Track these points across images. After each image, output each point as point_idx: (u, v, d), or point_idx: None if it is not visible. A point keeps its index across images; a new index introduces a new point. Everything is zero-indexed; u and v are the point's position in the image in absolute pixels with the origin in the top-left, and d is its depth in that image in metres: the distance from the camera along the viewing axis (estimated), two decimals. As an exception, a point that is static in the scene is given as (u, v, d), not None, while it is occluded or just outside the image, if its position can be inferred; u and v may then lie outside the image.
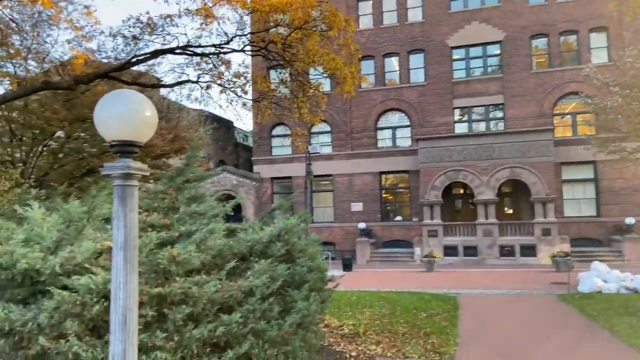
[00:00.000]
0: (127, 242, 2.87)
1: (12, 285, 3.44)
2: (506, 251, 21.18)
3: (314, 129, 25.91)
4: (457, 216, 24.40)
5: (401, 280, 15.92)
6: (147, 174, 3.03)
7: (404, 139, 25.71)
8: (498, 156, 21.94)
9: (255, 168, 28.19)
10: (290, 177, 27.20)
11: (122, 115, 2.85)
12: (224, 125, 32.71)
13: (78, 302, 3.15)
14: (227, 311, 4.08)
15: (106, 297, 3.30)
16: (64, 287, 3.30)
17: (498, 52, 24.49)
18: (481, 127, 24.67)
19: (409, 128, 25.51)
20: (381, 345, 7.25)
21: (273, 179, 27.75)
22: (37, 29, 14.83)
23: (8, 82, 15.98)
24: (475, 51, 24.85)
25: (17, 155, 19.36)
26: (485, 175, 21.96)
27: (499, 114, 24.40)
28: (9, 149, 18.62)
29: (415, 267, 20.49)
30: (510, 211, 24.05)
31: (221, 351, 3.97)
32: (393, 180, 26.46)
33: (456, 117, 25.00)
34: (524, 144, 21.72)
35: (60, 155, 19.92)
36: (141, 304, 3.25)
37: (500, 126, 24.21)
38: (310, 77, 13.29)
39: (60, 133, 19.22)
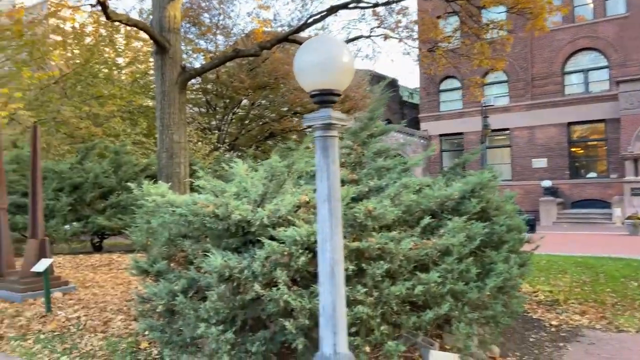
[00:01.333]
0: (330, 194, 2.81)
1: (226, 235, 3.73)
2: None
3: (486, 80, 23.84)
4: (672, 171, 20.27)
5: (598, 245, 13.93)
6: (347, 124, 2.91)
7: (599, 82, 22.01)
8: None
9: (423, 125, 27.31)
10: (460, 134, 25.73)
11: (320, 63, 2.73)
12: (389, 84, 32.26)
13: (286, 253, 3.25)
14: (423, 270, 3.88)
15: (309, 249, 3.36)
16: (271, 238, 3.44)
17: None
18: None
19: (607, 69, 21.69)
20: (587, 315, 6.36)
21: (441, 136, 26.59)
22: (223, 5, 16.34)
23: (202, 57, 18.07)
24: (702, -37, 19.69)
25: (213, 123, 22.03)
26: None
27: None
28: (206, 118, 21.29)
29: (614, 230, 17.77)
30: None
31: (419, 310, 3.81)
32: (584, 132, 23.07)
33: (672, 51, 20.41)
34: None
35: (246, 122, 22.07)
36: (343, 258, 3.20)
37: None
38: (486, 21, 11.98)
39: (245, 102, 21.25)
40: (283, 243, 3.36)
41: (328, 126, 2.81)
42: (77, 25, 15.77)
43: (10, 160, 12.39)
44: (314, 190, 4.16)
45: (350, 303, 3.35)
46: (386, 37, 9.39)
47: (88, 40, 16.60)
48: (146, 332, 3.96)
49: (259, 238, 3.45)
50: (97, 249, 13.35)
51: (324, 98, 2.81)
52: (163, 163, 8.78)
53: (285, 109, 20.12)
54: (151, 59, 20.76)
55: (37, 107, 14.71)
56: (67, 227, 11.88)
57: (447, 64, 10.52)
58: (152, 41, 8.47)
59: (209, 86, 19.84)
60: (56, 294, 6.18)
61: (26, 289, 6.14)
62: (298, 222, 3.44)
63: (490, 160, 24.49)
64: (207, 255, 3.59)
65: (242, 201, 3.65)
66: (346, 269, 3.38)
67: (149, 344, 4.21)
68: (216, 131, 20.25)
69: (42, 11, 16.32)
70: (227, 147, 18.81)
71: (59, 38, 15.51)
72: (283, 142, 23.05)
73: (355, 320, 3.34)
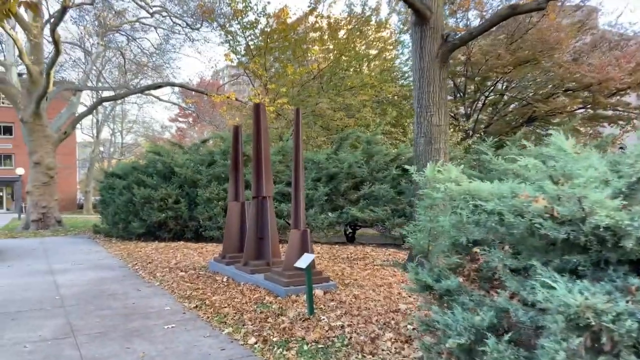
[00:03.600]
0: None
1: (563, 248, 2.30)
2: None
3: None
4: None
5: None
6: None
7: None
8: None
9: None
10: None
11: None
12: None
13: None
14: None
15: None
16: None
17: None
18: None
19: None
20: None
21: None
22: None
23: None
24: None
25: (461, 110, 20.43)
26: None
27: None
28: (453, 105, 19.84)
29: None
30: None
31: None
32: None
33: None
34: None
35: (499, 106, 19.72)
36: None
37: None
38: None
39: (498, 86, 18.96)
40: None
41: None
42: (331, 20, 16.38)
43: (276, 152, 13.40)
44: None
45: None
46: None
47: (341, 34, 17.09)
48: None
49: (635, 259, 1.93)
50: (350, 239, 13.42)
51: None
52: (420, 150, 7.79)
53: (551, 86, 17.01)
54: (398, 48, 20.42)
55: (299, 102, 15.77)
56: (323, 216, 12.16)
57: None
58: (404, 21, 7.52)
59: (457, 69, 18.29)
60: (317, 292, 5.74)
61: (289, 282, 5.90)
62: None
63: None
64: (518, 274, 2.26)
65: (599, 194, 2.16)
66: None
67: (434, 386, 3.12)
68: (464, 118, 18.62)
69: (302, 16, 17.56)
70: (480, 134, 16.97)
71: (316, 35, 16.36)
72: (544, 128, 19.83)
73: None
